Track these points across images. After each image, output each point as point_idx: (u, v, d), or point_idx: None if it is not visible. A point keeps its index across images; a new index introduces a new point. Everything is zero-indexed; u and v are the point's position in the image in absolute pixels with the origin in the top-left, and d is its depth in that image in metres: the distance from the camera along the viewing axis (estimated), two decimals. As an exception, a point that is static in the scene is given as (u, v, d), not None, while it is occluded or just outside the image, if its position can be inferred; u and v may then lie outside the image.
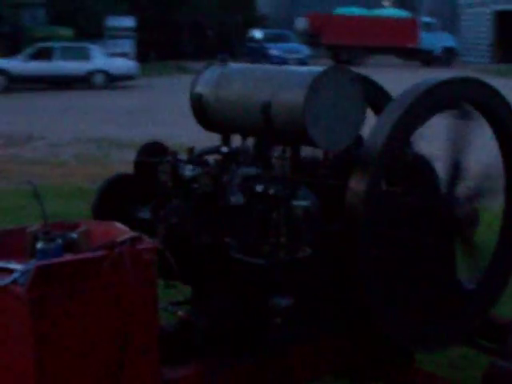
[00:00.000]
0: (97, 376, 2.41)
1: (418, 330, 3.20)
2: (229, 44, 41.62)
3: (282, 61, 30.68)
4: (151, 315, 2.53)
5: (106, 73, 25.33)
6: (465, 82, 3.27)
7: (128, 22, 38.24)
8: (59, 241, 2.55)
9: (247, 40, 37.85)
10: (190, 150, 3.05)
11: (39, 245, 2.52)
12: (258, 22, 43.09)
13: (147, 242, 2.54)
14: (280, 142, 2.85)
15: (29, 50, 25.25)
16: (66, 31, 30.91)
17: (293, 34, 38.30)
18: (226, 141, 3.14)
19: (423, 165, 3.27)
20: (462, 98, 3.23)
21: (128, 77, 25.77)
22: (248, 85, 2.93)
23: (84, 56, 25.46)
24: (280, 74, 2.86)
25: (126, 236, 2.51)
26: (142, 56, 37.81)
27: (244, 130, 3.00)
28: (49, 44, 25.81)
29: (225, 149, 3.05)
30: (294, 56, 33.95)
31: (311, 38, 38.37)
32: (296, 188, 2.66)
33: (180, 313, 3.03)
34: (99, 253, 2.45)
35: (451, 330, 3.38)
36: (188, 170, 2.86)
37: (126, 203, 3.07)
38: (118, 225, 2.69)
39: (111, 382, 2.42)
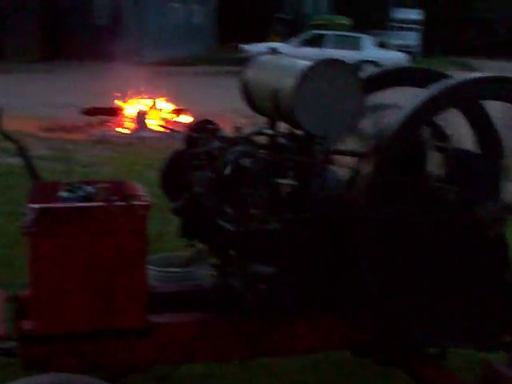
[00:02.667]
0: (82, 303, 2.90)
1: (439, 326, 3.27)
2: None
3: None
4: (138, 262, 2.96)
5: (375, 63, 25.68)
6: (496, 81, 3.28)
7: (415, 14, 38.17)
8: (80, 193, 3.08)
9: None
10: (237, 129, 3.39)
11: (62, 194, 3.07)
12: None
13: (143, 200, 2.97)
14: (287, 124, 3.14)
15: (302, 36, 26.39)
16: (343, 20, 31.72)
17: None
18: (271, 123, 3.43)
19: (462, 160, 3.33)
20: (485, 97, 3.24)
21: (396, 69, 25.87)
22: (269, 74, 3.24)
23: (355, 46, 25.97)
24: (291, 65, 3.11)
25: (126, 193, 2.97)
26: (426, 50, 37.64)
27: (265, 113, 3.30)
28: (321, 31, 26.74)
29: (267, 130, 3.36)
30: None
31: None
32: (278, 167, 2.95)
33: (213, 273, 3.43)
34: (97, 204, 2.94)
35: (486, 330, 3.39)
36: (213, 146, 3.24)
37: (181, 173, 3.49)
38: (134, 184, 3.17)
39: (95, 314, 2.90)
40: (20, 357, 2.98)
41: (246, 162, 2.96)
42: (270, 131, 3.32)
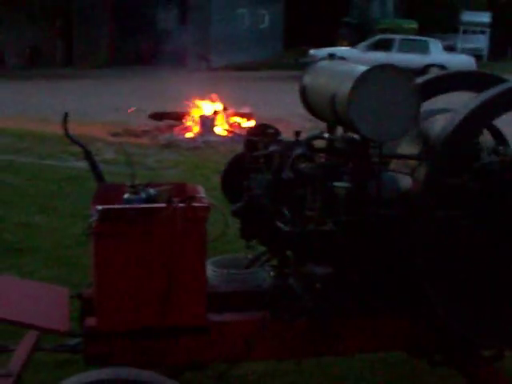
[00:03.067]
0: (144, 301, 3.00)
1: (492, 326, 3.28)
2: None
3: None
4: (198, 262, 3.05)
5: (442, 67, 25.43)
6: None
7: (484, 17, 37.58)
8: (143, 194, 3.19)
9: None
10: (297, 133, 3.46)
11: (125, 196, 3.19)
12: None
13: (203, 202, 3.06)
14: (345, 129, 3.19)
15: (369, 41, 26.31)
16: (411, 24, 31.46)
17: None
18: (330, 127, 3.49)
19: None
20: None
21: (465, 73, 25.57)
22: (326, 79, 3.29)
23: (422, 50, 25.75)
24: (348, 70, 3.16)
25: (187, 195, 3.07)
26: (496, 53, 37.02)
27: (322, 117, 3.36)
28: (389, 36, 26.60)
29: (326, 135, 3.42)
30: None
31: None
32: (334, 170, 3.00)
33: (272, 273, 3.50)
34: (158, 205, 3.04)
35: None
36: (271, 149, 3.32)
37: (241, 176, 3.58)
38: (195, 187, 3.26)
39: (156, 312, 2.99)
40: (83, 352, 3.10)
41: (303, 165, 3.02)
42: (327, 135, 3.37)
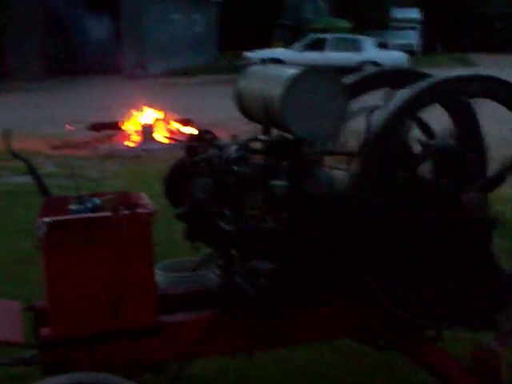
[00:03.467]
0: (96, 307, 3.10)
1: (432, 307, 3.47)
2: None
3: None
4: (146, 266, 3.16)
5: (376, 64, 25.89)
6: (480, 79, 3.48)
7: (414, 13, 38.33)
8: (88, 204, 3.29)
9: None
10: (233, 137, 3.59)
11: (71, 207, 3.28)
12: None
13: (147, 208, 3.18)
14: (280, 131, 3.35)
15: (303, 41, 26.66)
16: (344, 23, 32.00)
17: None
18: (265, 129, 3.62)
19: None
20: (466, 94, 3.45)
21: (397, 68, 26.12)
22: (259, 83, 3.45)
23: (355, 48, 26.25)
24: (279, 74, 3.32)
25: (131, 203, 3.18)
26: (427, 48, 37.82)
27: (257, 120, 3.51)
28: (322, 35, 27.02)
29: (262, 136, 3.56)
30: None
31: None
32: (271, 170, 3.16)
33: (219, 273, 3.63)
34: (104, 214, 3.14)
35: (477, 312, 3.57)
36: (211, 154, 3.45)
37: (183, 180, 3.70)
38: (138, 194, 3.38)
39: (109, 316, 3.09)
40: (40, 362, 3.17)
41: (240, 167, 3.17)
42: (263, 137, 3.51)
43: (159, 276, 4.03)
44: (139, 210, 3.13)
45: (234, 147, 3.31)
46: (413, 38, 37.43)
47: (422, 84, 3.37)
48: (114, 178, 10.25)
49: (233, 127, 11.82)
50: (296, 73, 3.14)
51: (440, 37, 40.39)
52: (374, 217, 3.28)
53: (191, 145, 3.66)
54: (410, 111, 3.36)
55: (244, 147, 3.34)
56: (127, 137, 13.05)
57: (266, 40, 30.77)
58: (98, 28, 29.75)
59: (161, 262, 4.17)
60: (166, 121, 13.22)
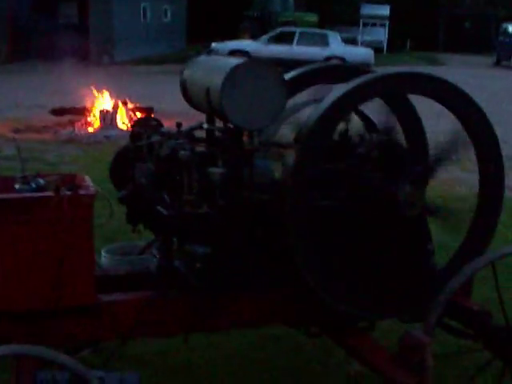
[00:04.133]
0: (36, 284, 3.21)
1: (360, 298, 3.61)
2: (484, 37, 40.63)
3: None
4: (85, 246, 3.27)
5: (342, 59, 26.10)
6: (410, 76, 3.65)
7: (383, 10, 38.56)
8: (33, 184, 3.39)
9: (500, 34, 36.25)
10: (178, 125, 3.71)
11: (16, 186, 3.38)
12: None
13: (89, 190, 3.29)
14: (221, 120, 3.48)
15: (270, 34, 26.78)
16: (311, 17, 32.15)
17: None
18: (209, 118, 3.75)
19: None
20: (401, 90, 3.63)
21: (363, 64, 26.30)
22: (203, 73, 3.57)
23: (322, 42, 26.39)
24: (221, 64, 3.44)
25: (73, 183, 3.29)
26: (394, 45, 38.11)
27: (201, 109, 3.64)
28: (289, 29, 27.15)
29: (205, 125, 3.69)
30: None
31: None
32: (209, 157, 3.29)
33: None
34: (45, 194, 3.25)
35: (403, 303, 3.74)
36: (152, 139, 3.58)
37: (127, 165, 3.81)
38: (83, 177, 3.49)
39: (48, 294, 3.21)
40: None
41: (179, 153, 3.29)
42: (207, 126, 3.64)
43: (105, 259, 4.16)
44: (80, 192, 3.24)
45: (176, 134, 3.43)
46: (382, 34, 37.71)
47: (357, 80, 3.50)
48: (71, 162, 10.31)
49: (194, 116, 11.90)
50: (236, 63, 3.26)
51: (408, 35, 40.73)
52: (306, 208, 3.40)
53: (135, 131, 3.78)
54: (345, 106, 3.49)
55: (184, 135, 3.46)
56: (88, 123, 13.08)
57: (234, 32, 30.84)
58: (66, 13, 29.64)
59: (108, 245, 4.31)
60: (127, 108, 13.27)
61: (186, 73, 3.74)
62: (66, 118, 13.54)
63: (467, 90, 3.69)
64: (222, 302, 3.49)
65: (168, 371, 4.29)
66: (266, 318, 3.65)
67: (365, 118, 4.08)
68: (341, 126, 3.81)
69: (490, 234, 3.86)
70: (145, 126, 3.76)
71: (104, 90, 13.82)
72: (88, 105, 13.55)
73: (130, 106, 13.41)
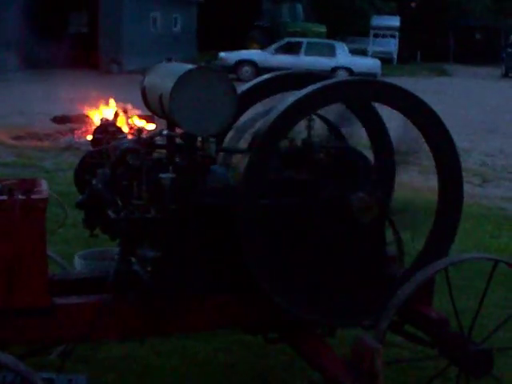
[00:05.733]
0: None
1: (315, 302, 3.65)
2: (495, 48, 40.58)
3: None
4: (38, 249, 3.32)
5: (349, 70, 26.16)
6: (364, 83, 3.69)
7: (394, 21, 38.57)
8: (-13, 189, 3.46)
9: (509, 45, 36.08)
10: (139, 131, 3.76)
11: (-31, 190, 3.45)
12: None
13: (41, 194, 3.35)
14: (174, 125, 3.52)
15: (277, 44, 26.88)
16: (319, 28, 32.22)
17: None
18: (169, 124, 3.79)
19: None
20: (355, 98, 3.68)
21: (370, 75, 26.34)
22: (158, 79, 3.63)
23: (329, 53, 26.47)
24: (175, 70, 3.48)
25: (27, 188, 3.35)
26: (405, 56, 38.12)
27: (157, 115, 3.69)
28: (296, 39, 27.24)
29: (165, 131, 3.74)
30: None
31: None
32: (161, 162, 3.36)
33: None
34: None
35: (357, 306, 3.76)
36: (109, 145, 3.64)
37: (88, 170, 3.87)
38: (40, 181, 3.55)
39: (3, 296, 3.26)
40: None
41: (130, 158, 3.35)
42: (165, 132, 3.69)
43: (79, 264, 4.23)
44: (33, 196, 3.29)
45: (129, 140, 3.49)
46: (392, 45, 37.74)
47: (313, 86, 3.54)
48: (68, 169, 10.36)
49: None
50: (186, 69, 3.31)
51: (419, 46, 40.74)
52: (258, 214, 3.44)
53: (96, 137, 3.84)
54: (299, 113, 3.52)
55: (138, 141, 3.52)
56: (88, 130, 13.16)
57: (243, 41, 30.97)
58: (76, 22, 29.84)
59: (83, 251, 4.38)
60: (127, 116, 13.34)
61: (146, 79, 3.80)
62: (68, 125, 13.63)
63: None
64: (174, 306, 3.52)
65: (133, 375, 4.32)
66: (216, 322, 3.67)
67: (329, 124, 4.12)
68: (303, 134, 3.87)
69: (450, 238, 3.88)
70: (105, 133, 3.81)
71: (110, 99, 13.90)
72: (89, 113, 13.63)
73: (130, 114, 13.48)
